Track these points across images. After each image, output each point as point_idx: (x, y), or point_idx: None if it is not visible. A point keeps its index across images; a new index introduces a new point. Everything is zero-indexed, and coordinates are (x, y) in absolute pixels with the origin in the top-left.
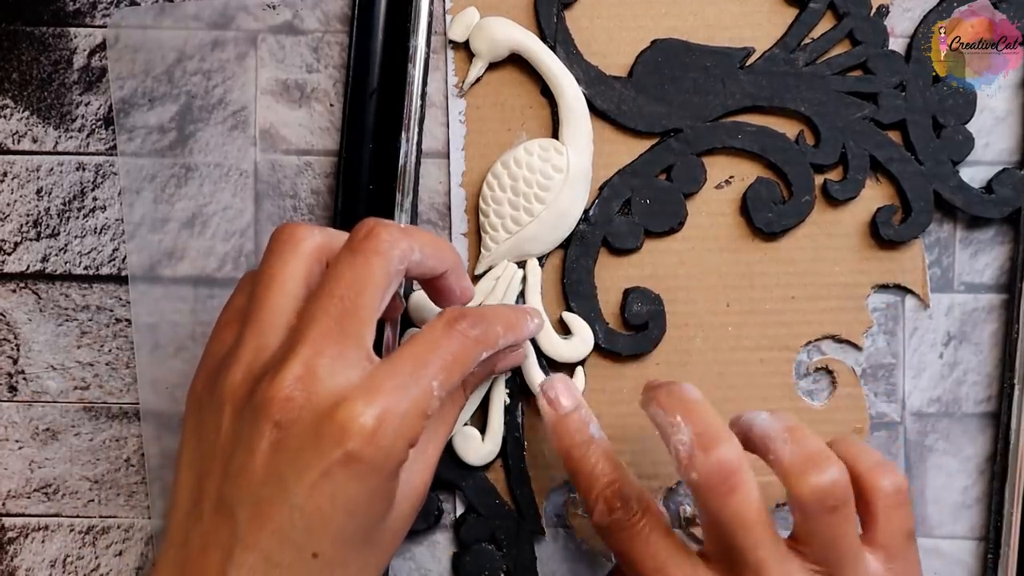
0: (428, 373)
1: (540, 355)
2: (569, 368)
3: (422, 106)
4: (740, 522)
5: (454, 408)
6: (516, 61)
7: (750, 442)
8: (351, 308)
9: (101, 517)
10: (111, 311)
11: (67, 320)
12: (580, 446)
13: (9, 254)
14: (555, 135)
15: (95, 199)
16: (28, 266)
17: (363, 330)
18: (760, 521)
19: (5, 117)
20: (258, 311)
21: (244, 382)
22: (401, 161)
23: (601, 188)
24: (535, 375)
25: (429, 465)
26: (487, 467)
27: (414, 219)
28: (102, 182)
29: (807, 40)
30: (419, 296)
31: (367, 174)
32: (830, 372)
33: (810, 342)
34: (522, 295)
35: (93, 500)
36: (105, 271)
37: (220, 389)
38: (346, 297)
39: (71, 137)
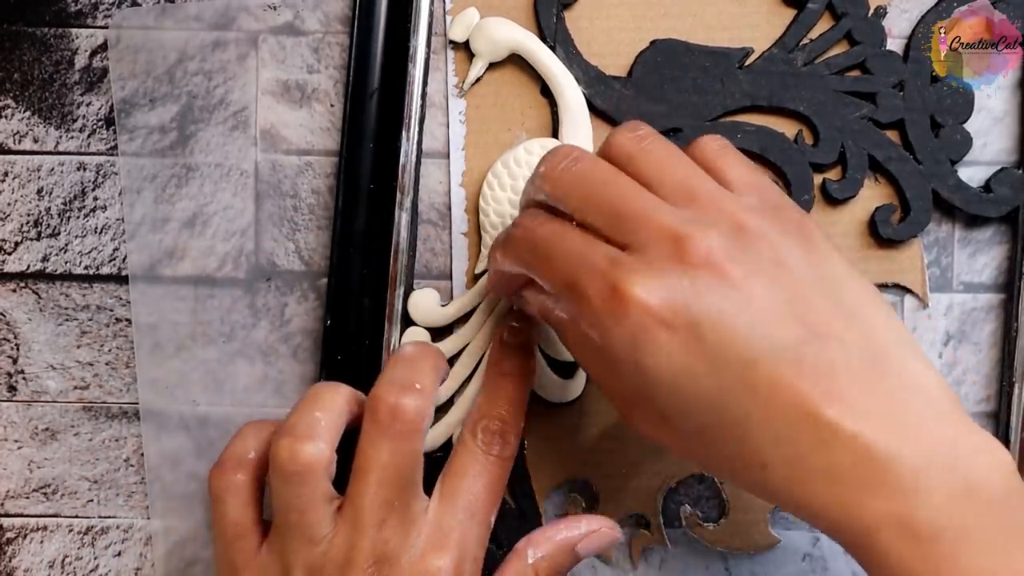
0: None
1: (541, 354)
2: (569, 368)
3: (422, 106)
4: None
5: None
6: (516, 61)
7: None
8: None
9: (100, 517)
10: (111, 311)
11: (67, 320)
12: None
13: (9, 254)
14: (555, 135)
15: (96, 199)
16: (28, 266)
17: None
18: None
19: (6, 117)
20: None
21: None
22: (401, 161)
23: None
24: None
25: None
26: None
27: (414, 218)
28: (103, 182)
29: (805, 40)
30: (419, 295)
31: (367, 174)
32: None
33: None
34: None
35: (92, 500)
36: (105, 271)
37: None
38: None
39: (72, 137)
